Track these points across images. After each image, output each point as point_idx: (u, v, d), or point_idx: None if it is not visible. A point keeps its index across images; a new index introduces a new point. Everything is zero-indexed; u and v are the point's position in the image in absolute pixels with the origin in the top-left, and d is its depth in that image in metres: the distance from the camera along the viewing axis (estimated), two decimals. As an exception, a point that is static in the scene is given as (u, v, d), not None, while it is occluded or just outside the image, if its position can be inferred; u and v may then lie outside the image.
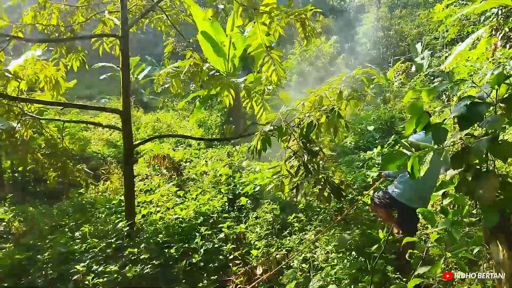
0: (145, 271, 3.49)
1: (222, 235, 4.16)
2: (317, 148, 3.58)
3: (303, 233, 4.40)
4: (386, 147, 7.63)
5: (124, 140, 4.23)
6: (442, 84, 2.12)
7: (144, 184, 5.90)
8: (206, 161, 6.79)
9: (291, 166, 3.46)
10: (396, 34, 26.87)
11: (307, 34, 3.47)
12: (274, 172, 3.74)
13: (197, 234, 4.14)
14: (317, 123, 3.49)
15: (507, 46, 7.43)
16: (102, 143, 10.27)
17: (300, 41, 23.68)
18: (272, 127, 3.34)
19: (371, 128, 9.76)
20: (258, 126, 3.94)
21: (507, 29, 8.56)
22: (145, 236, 4.00)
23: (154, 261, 3.60)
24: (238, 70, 10.60)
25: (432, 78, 18.24)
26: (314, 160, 3.47)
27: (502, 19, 8.46)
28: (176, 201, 5.15)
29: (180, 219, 4.52)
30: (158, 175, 6.53)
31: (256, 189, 5.35)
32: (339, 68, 24.02)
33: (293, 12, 3.51)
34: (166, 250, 3.88)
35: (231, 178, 5.98)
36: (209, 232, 4.15)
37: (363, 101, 3.49)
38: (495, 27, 8.61)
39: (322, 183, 3.37)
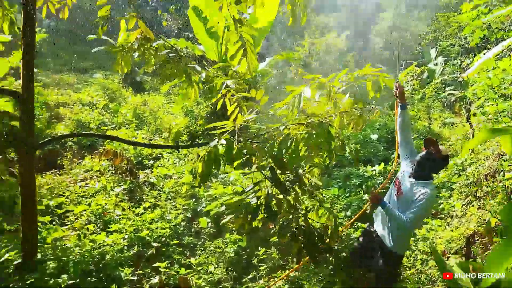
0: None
1: (155, 280, 3.03)
2: (292, 178, 2.45)
3: (273, 277, 3.30)
4: (390, 164, 6.49)
5: (21, 132, 3.03)
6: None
7: (83, 187, 4.78)
8: (175, 161, 5.66)
9: (250, 201, 2.33)
10: (412, 36, 25.51)
11: (294, 7, 2.30)
12: (236, 200, 2.62)
13: (120, 274, 3.02)
14: (293, 141, 2.37)
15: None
16: (73, 123, 9.14)
17: (310, 33, 22.41)
18: (224, 142, 2.20)
19: (374, 137, 8.60)
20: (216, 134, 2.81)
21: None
22: (39, 276, 2.86)
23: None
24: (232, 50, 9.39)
25: (444, 86, 17.04)
26: (284, 196, 2.34)
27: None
28: (114, 217, 4.02)
29: (106, 249, 3.37)
30: (114, 173, 5.42)
31: (222, 208, 4.23)
32: (348, 66, 22.76)
33: None
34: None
35: (196, 188, 4.85)
36: (140, 272, 3.03)
37: (367, 117, 2.36)
38: (531, 35, 7.38)
39: (293, 231, 2.25)
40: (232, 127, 2.35)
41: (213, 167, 2.14)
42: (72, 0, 4.26)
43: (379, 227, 3.15)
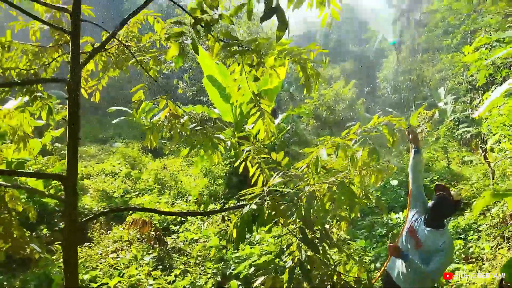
0: None
1: None
2: (320, 234, 2.55)
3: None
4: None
5: (64, 216, 3.25)
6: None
7: (115, 259, 4.90)
8: (200, 224, 5.79)
9: (285, 264, 2.43)
10: (418, 78, 26.13)
11: (308, 80, 2.56)
12: (265, 260, 2.71)
13: None
14: (319, 199, 2.52)
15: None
16: (98, 194, 9.45)
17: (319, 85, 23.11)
18: (255, 206, 2.36)
19: (394, 183, 8.58)
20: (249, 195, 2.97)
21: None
22: None
23: None
24: (247, 116, 9.82)
25: (457, 124, 17.08)
26: (316, 254, 2.43)
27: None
28: (147, 287, 4.08)
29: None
30: (142, 241, 5.54)
31: (252, 269, 4.25)
32: (358, 114, 23.16)
33: (290, 51, 2.56)
34: None
35: (224, 250, 4.91)
36: None
37: (385, 172, 2.51)
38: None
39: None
40: (260, 191, 2.52)
41: (246, 231, 2.28)
42: (102, 84, 4.67)
43: (399, 279, 3.09)
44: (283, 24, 2.04)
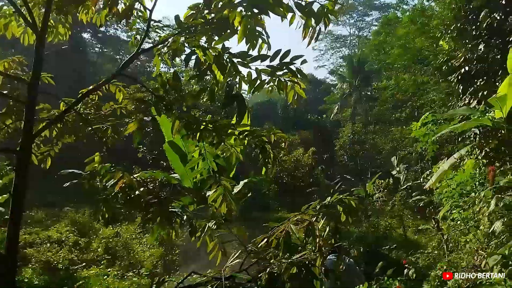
0: None
1: None
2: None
3: None
4: (373, 284, 6.36)
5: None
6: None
7: None
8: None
9: None
10: (372, 147, 27.61)
11: (267, 161, 2.59)
12: None
13: None
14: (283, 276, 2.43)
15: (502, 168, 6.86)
16: (40, 265, 8.57)
17: (278, 151, 23.80)
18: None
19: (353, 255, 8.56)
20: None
21: (487, 149, 8.16)
22: None
23: None
24: (207, 184, 9.70)
25: (410, 191, 17.84)
26: None
27: (482, 138, 8.16)
28: None
29: None
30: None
31: None
32: (318, 180, 23.69)
33: (251, 133, 2.62)
34: None
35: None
36: None
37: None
38: (475, 147, 8.25)
39: None
40: (218, 273, 2.39)
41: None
42: (55, 150, 4.45)
43: None
44: (243, 108, 2.11)
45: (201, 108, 20.99)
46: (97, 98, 4.29)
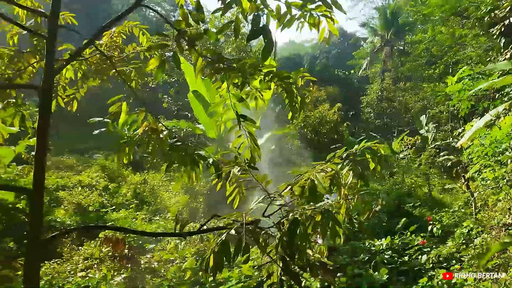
0: None
1: None
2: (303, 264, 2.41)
3: None
4: (396, 238, 6.36)
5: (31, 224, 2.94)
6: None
7: (84, 277, 4.60)
8: (177, 243, 5.55)
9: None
10: (400, 105, 26.67)
11: (294, 105, 2.46)
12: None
13: None
14: (305, 223, 2.39)
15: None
16: (72, 207, 9.05)
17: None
18: (233, 232, 2.20)
19: (377, 208, 8.52)
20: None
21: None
22: None
23: None
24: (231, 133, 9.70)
25: (438, 151, 17.37)
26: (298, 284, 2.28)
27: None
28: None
29: None
30: (114, 259, 5.25)
31: (229, 295, 4.06)
32: (342, 136, 23.35)
33: (277, 75, 2.43)
34: None
35: (200, 273, 4.68)
36: None
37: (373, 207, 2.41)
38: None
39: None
40: (239, 216, 2.37)
41: (224, 259, 2.12)
42: (81, 93, 4.47)
43: None
44: (270, 44, 1.95)
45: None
46: (120, 42, 4.20)
